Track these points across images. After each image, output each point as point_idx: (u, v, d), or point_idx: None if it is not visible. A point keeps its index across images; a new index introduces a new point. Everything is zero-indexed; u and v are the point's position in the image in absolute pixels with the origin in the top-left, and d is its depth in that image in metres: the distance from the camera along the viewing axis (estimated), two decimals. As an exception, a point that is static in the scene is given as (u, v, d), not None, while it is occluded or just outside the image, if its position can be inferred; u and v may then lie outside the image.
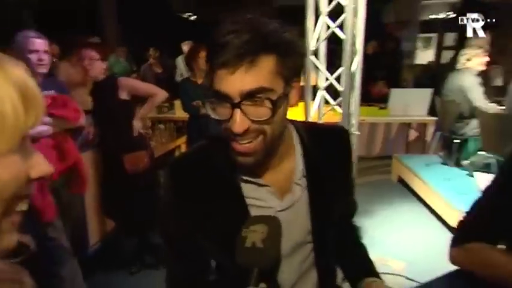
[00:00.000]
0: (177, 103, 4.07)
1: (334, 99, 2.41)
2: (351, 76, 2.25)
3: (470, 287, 0.77)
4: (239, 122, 0.65)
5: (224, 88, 0.65)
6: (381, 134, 4.90)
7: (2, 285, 0.45)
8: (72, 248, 1.95)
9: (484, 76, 3.69)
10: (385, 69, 5.49)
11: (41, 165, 0.43)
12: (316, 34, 2.32)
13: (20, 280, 0.48)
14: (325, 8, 2.27)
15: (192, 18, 9.69)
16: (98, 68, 2.28)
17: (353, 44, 2.20)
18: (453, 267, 0.91)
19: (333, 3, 2.23)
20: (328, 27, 2.27)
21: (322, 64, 2.38)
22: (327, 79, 2.38)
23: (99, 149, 2.56)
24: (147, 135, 2.97)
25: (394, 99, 4.32)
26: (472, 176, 3.18)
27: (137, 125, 2.41)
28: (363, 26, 2.27)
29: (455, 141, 3.66)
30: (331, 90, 2.43)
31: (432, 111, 4.23)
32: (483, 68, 3.51)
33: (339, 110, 2.34)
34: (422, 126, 4.66)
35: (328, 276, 0.88)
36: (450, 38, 8.46)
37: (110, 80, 2.34)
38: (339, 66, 2.24)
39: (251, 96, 0.64)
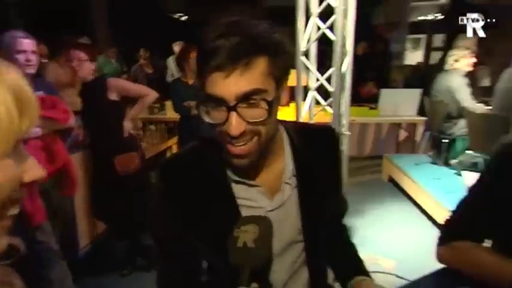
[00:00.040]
0: (168, 104, 4.05)
1: (325, 99, 2.43)
2: (341, 77, 2.27)
3: (456, 284, 0.78)
4: (235, 124, 0.65)
5: (219, 91, 0.64)
6: (371, 134, 4.94)
7: None
8: (61, 250, 1.93)
9: (472, 77, 3.76)
10: (374, 70, 5.56)
11: (34, 170, 0.43)
12: (306, 35, 2.33)
13: (10, 282, 0.47)
14: (315, 9, 2.29)
15: (183, 18, 9.66)
16: (87, 68, 2.26)
17: (343, 45, 2.22)
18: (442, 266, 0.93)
19: (323, 5, 2.25)
20: (319, 28, 2.29)
21: (312, 65, 2.40)
22: (317, 80, 2.40)
23: (89, 150, 2.53)
24: (138, 136, 2.95)
25: (384, 99, 4.36)
26: (460, 175, 3.23)
27: (127, 126, 2.39)
28: (352, 28, 2.30)
29: (443, 140, 3.72)
30: (321, 90, 2.45)
31: (421, 111, 4.29)
32: (470, 68, 3.58)
33: (329, 110, 2.36)
34: (412, 126, 4.72)
35: (320, 276, 0.89)
36: (438, 39, 8.61)
37: (99, 80, 2.32)
38: (330, 67, 2.26)
39: (246, 98, 0.65)
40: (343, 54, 2.26)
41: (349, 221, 1.00)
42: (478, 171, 3.04)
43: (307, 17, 2.31)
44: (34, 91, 0.42)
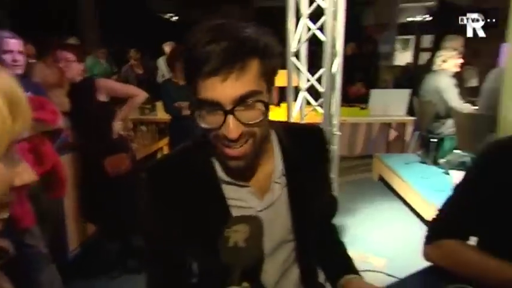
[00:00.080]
0: (159, 104, 4.02)
1: (316, 100, 2.44)
2: (332, 77, 2.29)
3: (443, 282, 0.80)
4: (233, 128, 0.65)
5: (215, 96, 0.64)
6: (362, 134, 4.99)
7: None
8: (51, 253, 1.90)
9: (459, 77, 3.82)
10: (362, 71, 5.60)
11: (25, 173, 0.42)
12: (297, 36, 2.34)
13: None
14: (305, 10, 2.30)
15: (174, 19, 9.61)
16: (75, 69, 2.23)
17: (333, 46, 2.24)
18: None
19: (314, 6, 2.27)
20: (309, 29, 2.30)
21: (303, 65, 2.41)
22: (308, 80, 2.41)
23: (79, 152, 2.50)
24: (129, 137, 2.92)
25: (374, 99, 4.40)
26: (448, 173, 3.28)
27: (117, 127, 2.37)
28: (342, 29, 2.31)
29: (432, 140, 3.77)
30: (312, 91, 2.46)
31: (411, 111, 4.35)
32: (458, 69, 3.64)
33: (320, 110, 2.37)
34: (401, 126, 4.78)
35: (310, 274, 0.90)
36: (427, 40, 8.74)
37: (87, 81, 2.29)
38: (320, 67, 2.27)
39: (243, 101, 0.65)
40: (333, 55, 2.28)
41: (340, 219, 1.00)
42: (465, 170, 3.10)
43: (298, 18, 2.32)
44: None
